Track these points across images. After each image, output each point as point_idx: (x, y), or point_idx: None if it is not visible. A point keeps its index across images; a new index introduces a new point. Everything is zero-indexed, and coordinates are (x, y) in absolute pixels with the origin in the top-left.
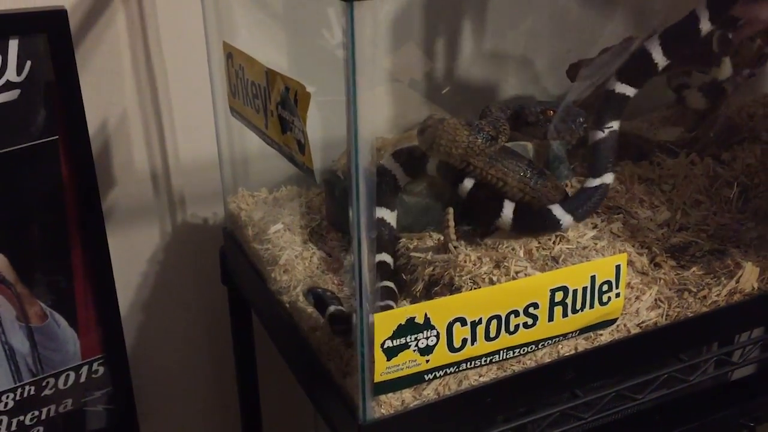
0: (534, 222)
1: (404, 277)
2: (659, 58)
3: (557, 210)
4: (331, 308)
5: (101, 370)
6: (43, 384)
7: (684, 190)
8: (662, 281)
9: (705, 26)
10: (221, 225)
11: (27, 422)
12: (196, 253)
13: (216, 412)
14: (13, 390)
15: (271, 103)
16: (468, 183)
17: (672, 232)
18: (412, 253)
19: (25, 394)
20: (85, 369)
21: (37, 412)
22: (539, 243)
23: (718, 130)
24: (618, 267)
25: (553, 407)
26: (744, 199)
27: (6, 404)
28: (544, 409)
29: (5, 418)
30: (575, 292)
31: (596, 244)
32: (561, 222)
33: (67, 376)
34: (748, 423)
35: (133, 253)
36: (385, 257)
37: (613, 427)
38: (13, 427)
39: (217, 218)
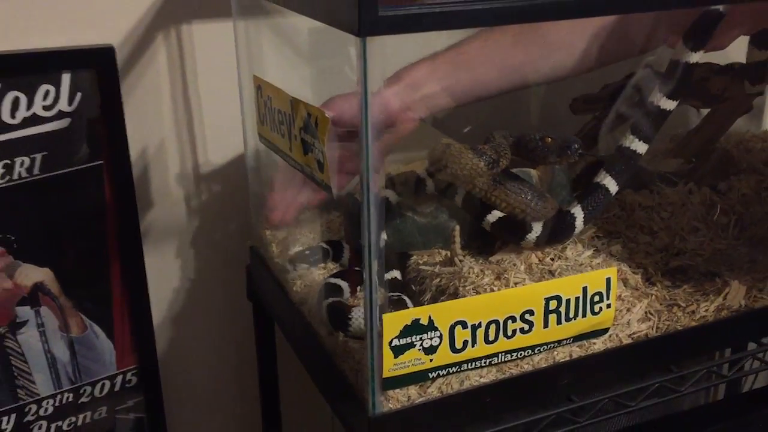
0: (554, 227)
1: (413, 288)
2: (668, 105)
3: (574, 208)
4: (329, 300)
5: (134, 380)
6: (81, 391)
7: (682, 218)
8: (653, 296)
9: (693, 59)
10: (248, 245)
11: (64, 428)
12: (225, 270)
13: (239, 419)
14: (53, 396)
15: (295, 128)
16: (492, 217)
17: (670, 257)
18: (421, 267)
19: (64, 401)
20: (119, 378)
21: (74, 419)
22: (539, 260)
23: (715, 162)
24: (608, 280)
25: (549, 410)
26: (740, 227)
27: (46, 410)
28: (540, 411)
29: (45, 423)
30: (568, 301)
31: (592, 261)
32: (575, 216)
33: (103, 384)
34: None
35: (166, 271)
36: (396, 274)
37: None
38: None
39: (244, 239)
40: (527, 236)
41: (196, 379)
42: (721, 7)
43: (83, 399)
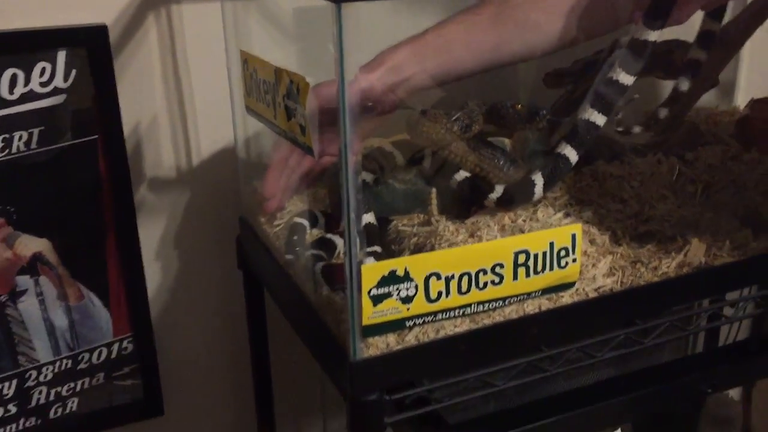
0: (515, 191)
1: (393, 247)
2: (626, 79)
3: (534, 175)
4: (319, 264)
5: (130, 347)
6: (79, 358)
7: (651, 186)
8: (619, 254)
9: (652, 37)
10: (238, 215)
11: (63, 393)
12: (216, 240)
13: (232, 384)
14: (53, 363)
15: (279, 96)
16: (459, 175)
17: (639, 223)
18: (401, 228)
19: (63, 367)
20: (116, 346)
21: (72, 384)
22: (512, 221)
23: (683, 134)
24: (573, 235)
25: (519, 359)
26: (706, 195)
27: (46, 375)
28: (512, 360)
29: (45, 389)
30: (536, 255)
31: (561, 222)
32: (534, 182)
33: (100, 351)
34: (706, 389)
35: (160, 241)
36: (371, 218)
37: (577, 385)
38: (51, 397)
39: (234, 209)
40: (489, 195)
41: (189, 345)
42: None
43: (81, 365)
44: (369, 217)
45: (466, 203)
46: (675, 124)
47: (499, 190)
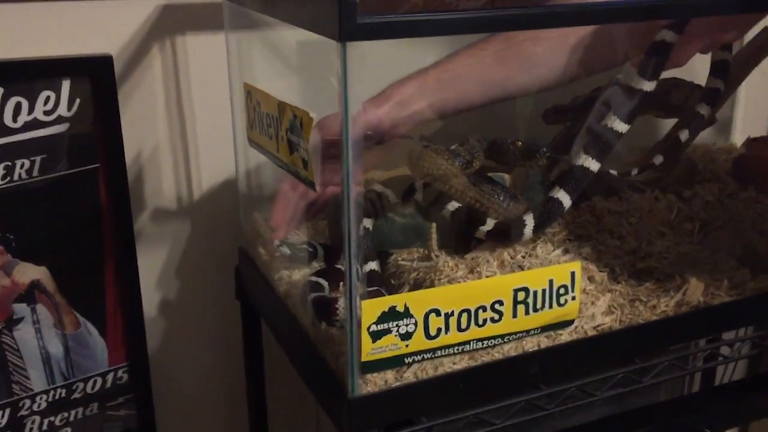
0: (505, 228)
1: (392, 282)
2: (621, 127)
3: (526, 216)
4: (313, 294)
5: (125, 377)
6: (73, 387)
7: (649, 223)
8: (617, 292)
9: (648, 88)
10: (237, 246)
11: (57, 423)
12: (214, 271)
13: (227, 415)
14: (47, 392)
15: (282, 129)
16: (451, 206)
17: (637, 259)
18: (400, 262)
19: (57, 396)
20: (111, 375)
21: (66, 414)
22: (511, 257)
23: (681, 171)
24: (573, 273)
25: (518, 397)
26: (704, 233)
27: (39, 405)
28: (510, 398)
29: (38, 418)
30: (535, 292)
31: (560, 259)
32: (525, 223)
33: (95, 381)
34: (703, 429)
35: (158, 271)
36: (375, 266)
37: (575, 423)
38: (44, 427)
39: (233, 240)
40: (480, 227)
41: (185, 376)
42: (668, 38)
43: (76, 395)
44: (373, 265)
45: (459, 234)
46: (672, 162)
47: (490, 223)
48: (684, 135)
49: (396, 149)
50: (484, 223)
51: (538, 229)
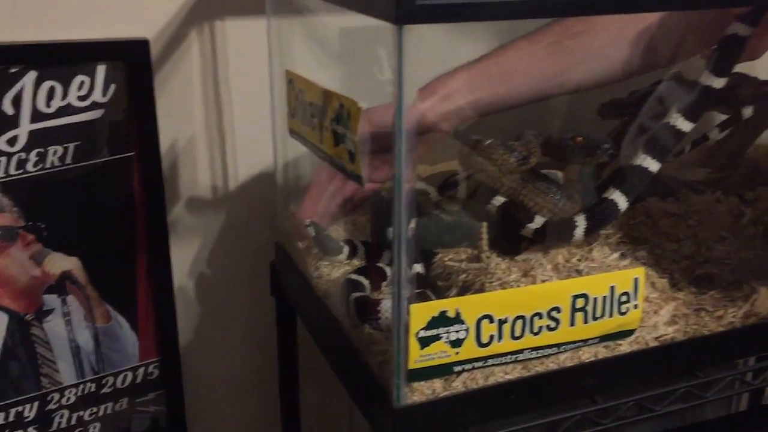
0: (554, 228)
1: (439, 284)
2: (685, 126)
3: (578, 217)
4: (355, 294)
5: (156, 372)
6: (103, 382)
7: (709, 226)
8: (681, 300)
9: (718, 85)
10: (273, 240)
11: (86, 418)
12: (249, 266)
13: (258, 413)
14: (76, 386)
15: (327, 120)
16: (497, 200)
17: (695, 264)
18: (447, 263)
19: (86, 391)
20: (141, 370)
21: (95, 409)
22: (566, 261)
23: (743, 172)
24: (636, 280)
25: (572, 411)
26: (767, 238)
27: (68, 399)
28: (564, 411)
29: (66, 412)
30: (595, 300)
31: (619, 263)
32: (576, 224)
33: (125, 376)
34: None
35: (191, 265)
36: (420, 269)
37: None
38: (73, 422)
39: (269, 234)
40: (528, 225)
41: (216, 373)
42: (741, 31)
43: (105, 389)
44: (418, 267)
45: (503, 231)
46: (734, 162)
47: (539, 221)
48: (748, 111)
49: (433, 145)
50: (531, 220)
51: (590, 231)
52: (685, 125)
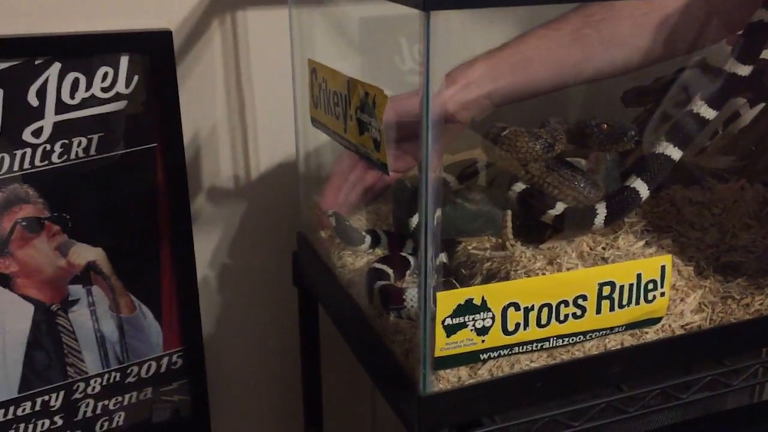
0: (574, 215)
1: (463, 272)
2: (709, 114)
3: (599, 205)
4: (380, 283)
5: (180, 362)
6: (128, 371)
7: (734, 214)
8: (707, 288)
9: (743, 72)
10: (295, 230)
11: (111, 407)
12: (272, 256)
13: (281, 404)
14: (101, 375)
15: (351, 109)
16: (518, 187)
17: (720, 253)
18: (472, 251)
19: (111, 380)
20: (165, 360)
21: (120, 398)
22: (591, 249)
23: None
24: (663, 267)
25: (598, 399)
26: None
27: (94, 388)
28: (590, 399)
29: (92, 401)
30: (622, 287)
31: (644, 251)
32: (597, 212)
33: (149, 365)
34: None
35: (215, 255)
36: (444, 258)
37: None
38: (98, 411)
39: (292, 224)
40: (548, 211)
41: (239, 363)
42: (767, 18)
43: (130, 379)
44: (442, 255)
45: (525, 217)
46: (758, 149)
47: (559, 207)
48: None
49: (453, 135)
50: (552, 207)
51: (611, 220)
52: (708, 113)
